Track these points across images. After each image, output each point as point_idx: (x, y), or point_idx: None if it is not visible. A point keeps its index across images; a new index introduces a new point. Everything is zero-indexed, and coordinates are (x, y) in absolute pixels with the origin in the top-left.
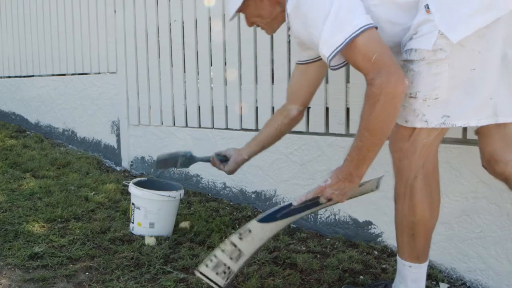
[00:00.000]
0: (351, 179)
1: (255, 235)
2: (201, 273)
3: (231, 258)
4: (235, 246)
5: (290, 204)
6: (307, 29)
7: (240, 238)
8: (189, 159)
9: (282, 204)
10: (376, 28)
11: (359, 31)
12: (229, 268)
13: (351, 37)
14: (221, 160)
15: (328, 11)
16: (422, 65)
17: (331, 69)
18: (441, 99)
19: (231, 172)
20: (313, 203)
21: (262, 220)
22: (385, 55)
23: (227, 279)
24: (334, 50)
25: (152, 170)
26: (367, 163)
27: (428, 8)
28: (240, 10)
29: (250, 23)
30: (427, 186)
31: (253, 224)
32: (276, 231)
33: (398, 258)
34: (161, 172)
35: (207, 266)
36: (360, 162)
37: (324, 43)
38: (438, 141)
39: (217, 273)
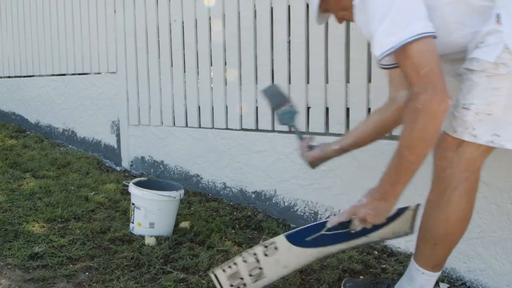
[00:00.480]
0: (386, 197)
1: (280, 255)
2: (215, 276)
3: (250, 275)
4: (257, 261)
5: (323, 225)
6: (367, 24)
7: (265, 254)
8: (292, 118)
9: (314, 222)
10: (435, 37)
11: (414, 38)
12: (244, 285)
13: (404, 42)
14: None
15: (388, 9)
16: (481, 76)
17: (381, 68)
18: (495, 116)
19: (313, 160)
20: (346, 234)
21: (290, 238)
22: (435, 71)
23: None
24: (384, 52)
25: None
26: (403, 182)
27: (499, 18)
28: (323, 9)
29: (340, 19)
30: (466, 201)
31: (280, 240)
32: (303, 263)
33: (412, 260)
34: (161, 173)
35: (224, 271)
36: (396, 180)
37: (377, 42)
38: (485, 157)
39: (231, 285)
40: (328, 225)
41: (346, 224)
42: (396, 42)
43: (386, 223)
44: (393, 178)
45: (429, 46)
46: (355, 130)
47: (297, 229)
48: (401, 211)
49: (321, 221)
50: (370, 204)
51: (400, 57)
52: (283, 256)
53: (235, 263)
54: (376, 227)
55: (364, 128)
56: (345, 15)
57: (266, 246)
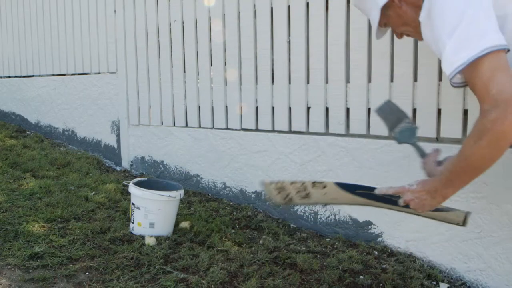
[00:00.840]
0: (434, 195)
1: (327, 192)
2: (264, 184)
3: (297, 192)
4: (305, 189)
5: (372, 189)
6: (436, 41)
7: (313, 186)
8: (412, 135)
9: (365, 184)
10: (508, 50)
11: (484, 52)
12: (290, 199)
13: (474, 58)
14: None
15: (457, 23)
16: None
17: (453, 86)
18: None
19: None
20: (392, 200)
21: (339, 184)
22: (507, 88)
23: (284, 200)
24: (454, 70)
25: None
26: (456, 187)
27: None
28: (383, 24)
29: (399, 35)
30: None
31: (330, 183)
32: (345, 202)
33: None
34: (161, 173)
35: (271, 183)
36: (449, 183)
37: (446, 60)
38: None
39: (279, 192)
40: (376, 192)
41: (392, 197)
42: (466, 58)
43: (436, 210)
44: (447, 180)
45: (501, 60)
46: None
47: (346, 182)
48: (452, 209)
49: (370, 186)
50: (417, 192)
51: (470, 73)
52: (330, 194)
53: (282, 181)
54: None
55: None
56: (406, 30)
57: (314, 182)
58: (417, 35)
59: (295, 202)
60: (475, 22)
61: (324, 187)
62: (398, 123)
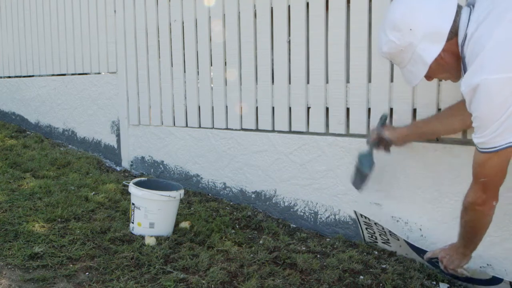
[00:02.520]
0: (459, 256)
1: (402, 245)
2: (356, 213)
3: (380, 234)
4: (385, 234)
5: (425, 251)
6: (473, 113)
7: (390, 233)
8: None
9: (421, 248)
10: None
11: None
12: (375, 238)
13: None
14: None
15: (499, 117)
16: None
17: (481, 151)
18: None
19: (400, 137)
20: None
21: (408, 244)
22: (493, 183)
23: (370, 239)
24: (485, 149)
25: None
26: (469, 248)
27: None
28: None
29: (432, 79)
30: None
31: (402, 240)
32: (413, 257)
33: None
34: (161, 173)
35: (362, 216)
36: (464, 245)
37: (484, 135)
38: None
39: (366, 227)
40: (425, 258)
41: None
42: (503, 142)
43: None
44: (461, 244)
45: (504, 156)
46: (438, 116)
47: (412, 243)
48: (497, 281)
49: (424, 249)
50: (448, 251)
51: (481, 155)
52: (404, 248)
53: (369, 219)
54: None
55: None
56: (445, 77)
57: (390, 231)
58: (453, 79)
59: (379, 245)
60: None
61: (398, 239)
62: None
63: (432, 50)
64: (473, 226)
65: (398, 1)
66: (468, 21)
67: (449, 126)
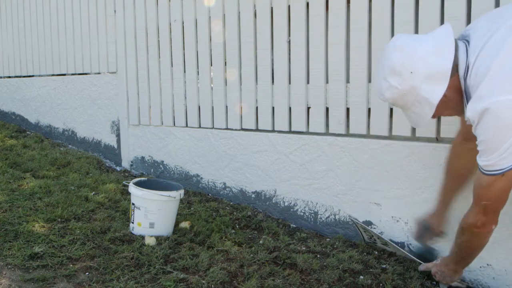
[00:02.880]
0: (450, 272)
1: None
2: (354, 221)
3: (378, 237)
4: (378, 238)
5: (419, 263)
6: (480, 137)
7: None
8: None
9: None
10: None
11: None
12: (374, 240)
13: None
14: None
15: (507, 139)
16: None
17: (484, 173)
18: None
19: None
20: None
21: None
22: (493, 206)
23: (369, 240)
24: (493, 171)
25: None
26: (461, 265)
27: None
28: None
29: (436, 117)
30: None
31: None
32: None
33: None
34: (160, 173)
35: (358, 222)
36: (455, 262)
37: (491, 158)
38: None
39: (364, 231)
40: (419, 269)
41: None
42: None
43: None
44: (453, 261)
45: (509, 179)
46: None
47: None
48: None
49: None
50: (439, 266)
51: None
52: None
53: (363, 225)
54: None
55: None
56: (448, 114)
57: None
58: (458, 114)
59: (378, 245)
60: None
61: (395, 248)
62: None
63: (437, 90)
64: (469, 247)
65: (393, 47)
66: (467, 53)
67: (461, 169)
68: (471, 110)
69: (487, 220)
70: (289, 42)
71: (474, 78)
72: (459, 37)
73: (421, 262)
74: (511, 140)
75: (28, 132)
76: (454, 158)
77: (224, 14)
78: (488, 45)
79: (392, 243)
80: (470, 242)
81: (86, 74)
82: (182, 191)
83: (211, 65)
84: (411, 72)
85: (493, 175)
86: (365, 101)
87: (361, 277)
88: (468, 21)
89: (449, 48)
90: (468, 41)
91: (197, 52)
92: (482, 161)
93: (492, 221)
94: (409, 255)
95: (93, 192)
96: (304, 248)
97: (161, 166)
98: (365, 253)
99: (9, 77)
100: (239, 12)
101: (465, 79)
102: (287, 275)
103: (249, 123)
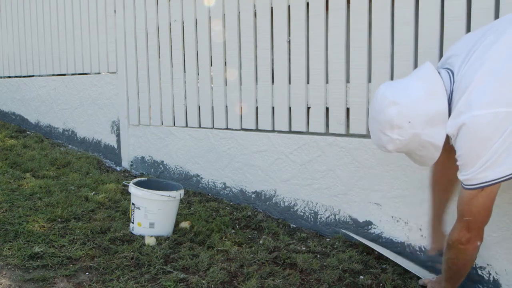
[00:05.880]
0: (443, 285)
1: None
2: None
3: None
4: None
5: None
6: (458, 152)
7: None
8: None
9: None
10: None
11: (488, 183)
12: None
13: (483, 185)
14: None
15: (483, 154)
16: None
17: (465, 187)
18: None
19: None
20: None
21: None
22: (478, 222)
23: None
24: (471, 186)
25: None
26: (452, 283)
27: None
28: None
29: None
30: None
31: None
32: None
33: None
34: (161, 173)
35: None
36: (447, 279)
37: (467, 175)
38: None
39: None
40: (419, 283)
41: None
42: (490, 178)
43: None
44: (444, 278)
45: (489, 194)
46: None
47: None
48: None
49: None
50: (434, 284)
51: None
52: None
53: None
54: None
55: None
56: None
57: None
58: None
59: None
60: (499, 154)
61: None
62: None
63: (439, 132)
64: (455, 264)
65: (386, 103)
66: (451, 82)
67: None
68: (450, 126)
69: (472, 237)
70: (289, 42)
71: (454, 97)
72: (439, 65)
73: (420, 276)
74: (488, 154)
75: (28, 132)
76: (437, 169)
77: (224, 14)
78: (472, 60)
79: (394, 257)
80: (457, 259)
81: (86, 74)
82: (182, 191)
83: (211, 65)
84: (409, 122)
85: (473, 189)
86: (365, 101)
87: (361, 277)
88: (468, 21)
89: (440, 88)
90: (451, 70)
91: (197, 52)
92: (462, 175)
93: (476, 236)
94: (403, 266)
95: (93, 192)
96: (304, 248)
97: (161, 166)
98: (365, 253)
99: (9, 77)
100: (239, 12)
101: (450, 105)
102: (287, 275)
103: (249, 123)
